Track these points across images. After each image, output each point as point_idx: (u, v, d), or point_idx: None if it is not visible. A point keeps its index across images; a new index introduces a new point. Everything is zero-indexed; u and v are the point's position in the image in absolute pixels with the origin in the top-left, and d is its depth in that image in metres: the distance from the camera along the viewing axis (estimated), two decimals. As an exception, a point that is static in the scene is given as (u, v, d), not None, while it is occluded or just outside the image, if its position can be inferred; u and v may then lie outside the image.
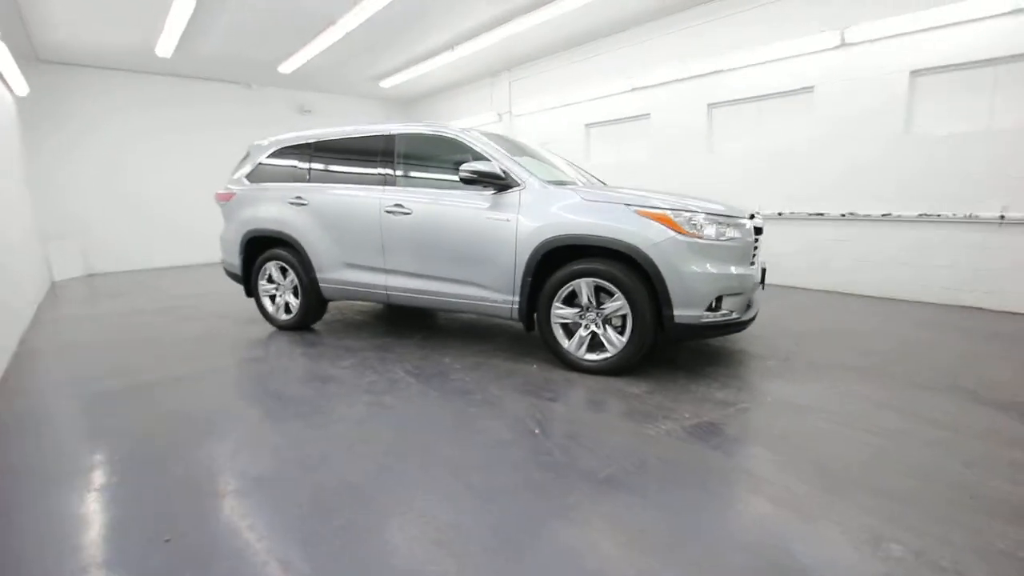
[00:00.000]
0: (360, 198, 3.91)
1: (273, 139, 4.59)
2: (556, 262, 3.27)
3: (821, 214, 5.64)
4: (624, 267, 3.05)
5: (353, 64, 8.75)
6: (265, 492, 1.99)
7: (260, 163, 4.58)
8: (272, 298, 4.53)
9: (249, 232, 4.43)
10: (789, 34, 5.54)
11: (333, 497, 1.94)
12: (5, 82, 6.15)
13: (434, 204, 3.62)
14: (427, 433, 2.48)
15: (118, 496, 1.99)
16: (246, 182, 4.60)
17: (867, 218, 5.36)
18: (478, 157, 3.53)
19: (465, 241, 3.48)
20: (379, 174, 3.90)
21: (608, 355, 3.16)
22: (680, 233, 2.93)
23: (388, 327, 4.60)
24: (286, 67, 8.44)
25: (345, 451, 2.31)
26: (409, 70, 9.02)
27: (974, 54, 4.54)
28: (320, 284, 4.19)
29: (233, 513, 1.86)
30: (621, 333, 3.13)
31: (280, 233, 4.25)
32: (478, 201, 3.45)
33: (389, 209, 3.74)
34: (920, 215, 5.00)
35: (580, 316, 3.22)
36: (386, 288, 3.89)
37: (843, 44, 5.18)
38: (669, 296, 2.95)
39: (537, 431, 2.47)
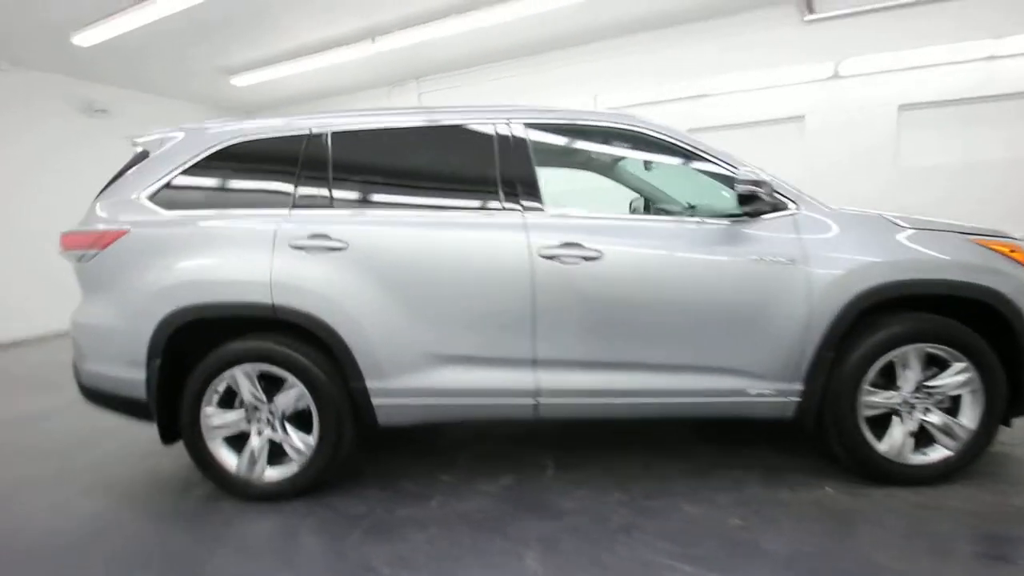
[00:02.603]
0: (481, 234, 2.14)
1: (221, 127, 2.36)
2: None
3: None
4: (959, 322, 2.10)
5: (195, 46, 6.08)
6: None
7: (184, 172, 2.30)
8: (236, 439, 2.25)
9: (181, 310, 2.12)
10: (780, 62, 5.53)
11: None
12: None
13: (641, 241, 2.13)
14: None
15: None
16: (152, 208, 2.26)
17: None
18: (696, 161, 2.21)
19: (713, 300, 2.08)
20: (502, 195, 2.18)
21: (947, 454, 2.13)
22: (1026, 267, 2.14)
23: (444, 452, 2.72)
24: (84, 38, 5.34)
25: None
26: (280, 66, 6.70)
27: None
28: (374, 400, 2.17)
29: None
30: (951, 415, 2.16)
31: (281, 309, 2.10)
32: (710, 234, 2.12)
33: (550, 253, 2.08)
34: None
35: (897, 401, 2.14)
36: (536, 393, 2.15)
37: (835, 76, 5.34)
38: (1036, 357, 2.10)
39: None
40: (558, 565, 1.75)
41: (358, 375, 2.15)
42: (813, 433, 2.24)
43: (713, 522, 1.96)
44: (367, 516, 2.11)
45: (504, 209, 2.17)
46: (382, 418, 2.21)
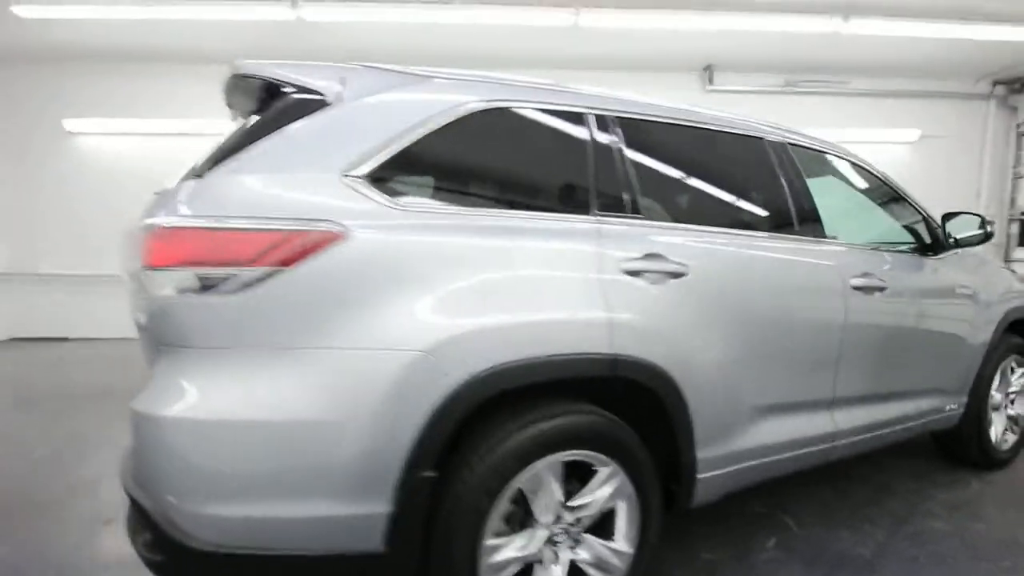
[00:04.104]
0: (805, 262, 1.89)
1: (472, 81, 1.49)
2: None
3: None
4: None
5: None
6: None
7: (416, 142, 1.35)
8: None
9: (489, 375, 1.23)
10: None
11: None
12: None
13: (903, 272, 2.21)
14: None
15: None
16: (377, 197, 1.26)
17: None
18: (889, 195, 2.42)
19: (945, 327, 2.33)
20: (796, 217, 1.95)
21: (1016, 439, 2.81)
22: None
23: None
24: None
25: None
26: (130, 7, 4.52)
27: None
28: (701, 474, 1.64)
29: None
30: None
31: (625, 362, 1.41)
32: (936, 267, 2.37)
33: (859, 283, 1.95)
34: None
35: (999, 400, 2.72)
36: (833, 436, 1.97)
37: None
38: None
39: None
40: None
41: (691, 445, 1.61)
42: (954, 437, 2.66)
43: (968, 532, 2.13)
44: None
45: (807, 235, 1.96)
46: (699, 496, 1.69)
